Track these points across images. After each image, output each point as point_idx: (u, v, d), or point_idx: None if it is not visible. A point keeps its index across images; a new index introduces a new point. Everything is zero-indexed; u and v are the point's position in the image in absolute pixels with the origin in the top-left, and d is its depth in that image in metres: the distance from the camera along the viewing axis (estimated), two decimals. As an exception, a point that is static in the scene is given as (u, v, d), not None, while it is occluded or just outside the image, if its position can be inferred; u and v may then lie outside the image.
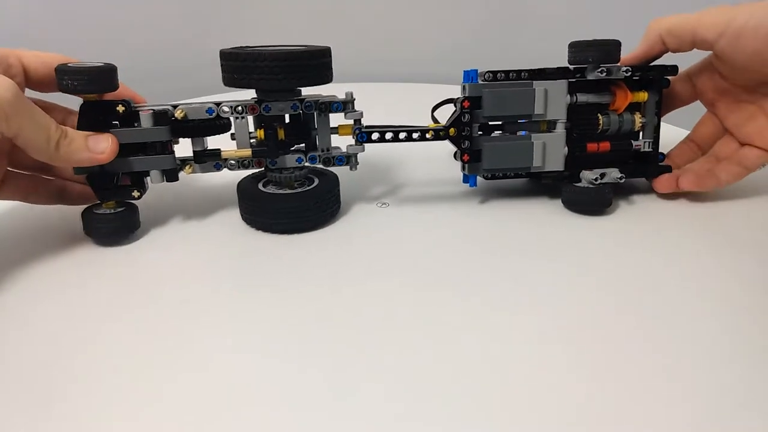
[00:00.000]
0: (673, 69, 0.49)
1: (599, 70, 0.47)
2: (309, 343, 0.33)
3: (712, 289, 0.37)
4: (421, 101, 0.67)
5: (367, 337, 0.33)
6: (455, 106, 0.50)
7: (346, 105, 0.47)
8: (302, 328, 0.34)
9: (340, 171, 0.49)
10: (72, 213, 0.46)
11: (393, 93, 0.97)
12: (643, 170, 0.50)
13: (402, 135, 0.48)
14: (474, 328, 0.34)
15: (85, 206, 0.45)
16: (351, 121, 0.48)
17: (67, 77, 0.40)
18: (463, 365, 0.31)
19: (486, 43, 1.01)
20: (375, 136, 0.48)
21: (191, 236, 0.46)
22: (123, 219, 0.44)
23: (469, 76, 0.48)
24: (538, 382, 0.29)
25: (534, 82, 0.47)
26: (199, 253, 0.44)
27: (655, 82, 0.49)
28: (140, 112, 0.43)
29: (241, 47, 0.46)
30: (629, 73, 0.47)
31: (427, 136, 0.48)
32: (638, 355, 0.31)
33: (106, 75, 0.41)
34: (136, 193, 0.44)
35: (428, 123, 0.60)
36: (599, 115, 0.49)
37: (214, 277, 0.41)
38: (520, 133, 0.50)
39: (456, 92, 0.48)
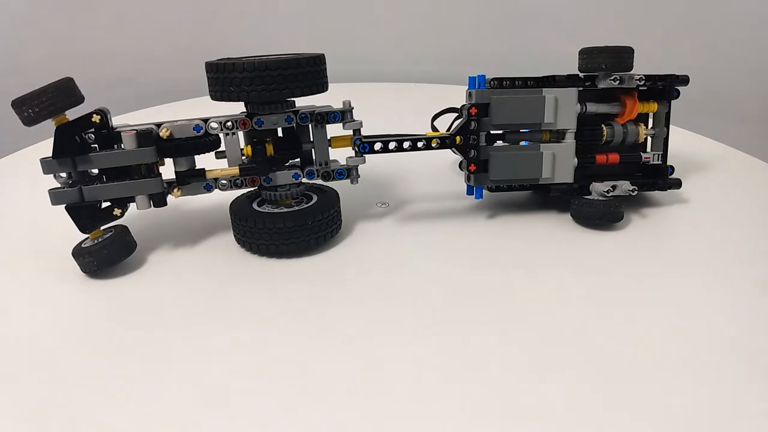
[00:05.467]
0: (684, 79, 0.46)
1: (612, 78, 0.44)
2: (299, 395, 0.30)
3: (730, 306, 0.36)
4: (421, 101, 0.64)
5: (369, 386, 0.31)
6: (461, 113, 0.47)
7: (344, 115, 0.44)
8: (291, 377, 0.32)
9: (339, 185, 0.47)
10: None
11: (393, 93, 0.94)
12: (653, 183, 0.49)
13: (406, 144, 0.45)
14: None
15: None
16: (346, 132, 0.45)
17: (25, 107, 0.36)
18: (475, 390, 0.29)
19: (486, 44, 0.99)
20: (378, 146, 0.45)
21: (180, 263, 0.43)
22: (117, 242, 0.40)
23: (476, 82, 0.45)
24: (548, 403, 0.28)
25: (543, 89, 0.45)
26: (184, 284, 0.40)
27: (665, 92, 0.47)
28: (122, 133, 0.39)
29: (228, 58, 0.42)
30: (643, 82, 0.44)
31: (432, 144, 0.46)
32: (651, 371, 0.30)
33: (65, 89, 0.37)
34: (117, 212, 0.41)
35: (428, 128, 0.58)
36: (603, 125, 0.47)
37: (196, 315, 0.37)
38: (522, 143, 0.48)
39: (455, 93, 0.45)
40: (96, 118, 0.39)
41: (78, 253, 0.40)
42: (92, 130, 0.39)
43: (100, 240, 0.41)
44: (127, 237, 0.42)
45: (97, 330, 0.36)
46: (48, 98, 0.36)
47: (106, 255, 0.40)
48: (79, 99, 0.38)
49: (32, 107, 0.36)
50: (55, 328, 0.36)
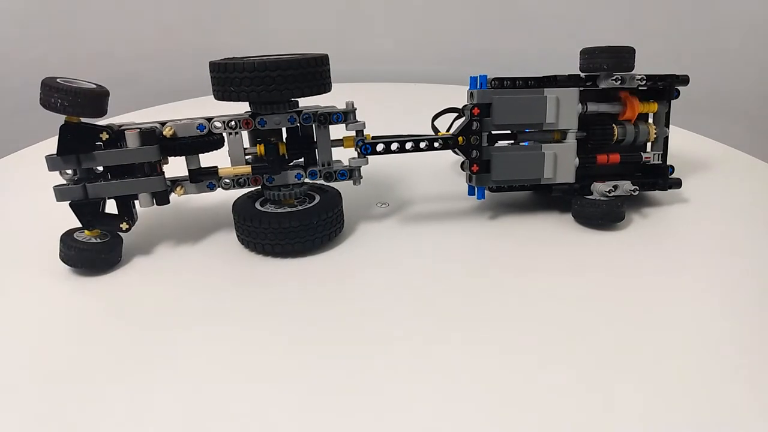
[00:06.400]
0: (684, 79, 0.47)
1: (613, 78, 0.44)
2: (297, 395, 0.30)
3: (731, 305, 0.37)
4: (421, 101, 0.64)
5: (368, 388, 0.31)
6: (462, 113, 0.47)
7: (346, 115, 0.44)
8: (289, 381, 0.31)
9: (339, 185, 0.47)
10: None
11: (393, 93, 0.94)
12: (654, 183, 0.49)
13: (408, 145, 0.46)
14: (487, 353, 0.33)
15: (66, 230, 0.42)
16: (353, 132, 0.45)
17: (57, 95, 0.36)
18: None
19: (486, 44, 0.99)
20: (380, 147, 0.45)
21: (181, 262, 0.43)
22: (101, 251, 0.40)
23: (477, 82, 0.45)
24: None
25: (545, 89, 0.45)
26: (186, 282, 0.40)
27: (665, 92, 0.47)
28: (126, 132, 0.39)
29: (232, 58, 0.42)
30: (644, 82, 0.45)
31: (435, 145, 0.46)
32: (652, 371, 0.30)
33: (100, 100, 0.37)
34: (124, 226, 0.41)
35: (428, 128, 0.58)
36: (614, 125, 0.47)
37: (198, 314, 0.37)
38: (523, 143, 0.48)
39: (455, 93, 0.45)
40: (104, 136, 0.39)
41: (64, 240, 0.40)
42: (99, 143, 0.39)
43: (90, 240, 0.41)
44: (112, 251, 0.41)
45: (98, 329, 0.36)
46: (80, 100, 0.36)
47: (86, 258, 0.40)
48: (102, 113, 0.39)
49: (62, 99, 0.36)
50: (54, 328, 0.36)
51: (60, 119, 0.38)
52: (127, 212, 0.41)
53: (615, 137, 0.47)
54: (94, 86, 0.38)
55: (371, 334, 0.35)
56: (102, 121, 0.42)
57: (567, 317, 0.36)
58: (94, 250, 0.40)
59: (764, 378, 0.30)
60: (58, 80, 0.37)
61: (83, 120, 0.39)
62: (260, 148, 0.43)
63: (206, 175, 0.43)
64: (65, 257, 0.40)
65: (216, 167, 0.43)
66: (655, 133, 0.48)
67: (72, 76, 0.40)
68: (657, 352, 0.32)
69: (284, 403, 0.29)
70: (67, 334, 0.36)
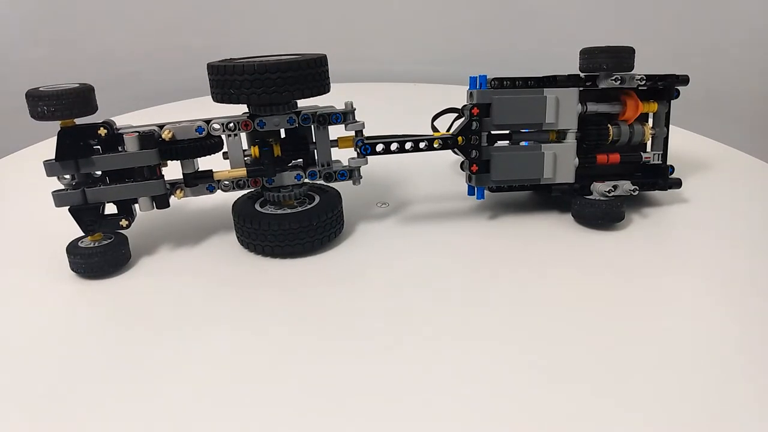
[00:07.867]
0: (684, 79, 0.47)
1: (613, 78, 0.44)
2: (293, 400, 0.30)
3: (731, 305, 0.36)
4: (421, 101, 0.64)
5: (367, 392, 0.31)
6: (462, 113, 0.47)
7: (346, 116, 0.44)
8: (287, 382, 0.31)
9: (339, 185, 0.47)
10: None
11: (393, 93, 0.94)
12: (654, 183, 0.49)
13: (408, 145, 0.45)
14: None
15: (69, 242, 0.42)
16: (350, 133, 0.45)
17: (41, 103, 0.36)
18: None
19: (486, 44, 0.99)
20: (379, 147, 0.45)
21: (181, 263, 0.43)
22: (108, 253, 0.40)
23: (477, 82, 0.45)
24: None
25: (545, 89, 0.45)
26: (186, 284, 0.40)
27: (665, 92, 0.47)
28: (125, 135, 0.39)
29: (230, 59, 0.42)
30: (644, 82, 0.45)
31: (434, 145, 0.46)
32: (652, 371, 0.30)
33: (85, 96, 0.37)
34: (124, 222, 0.41)
35: (428, 128, 0.58)
36: (609, 125, 0.47)
37: (198, 316, 0.37)
38: (522, 143, 0.48)
39: (455, 93, 0.45)
40: (102, 132, 0.39)
41: (71, 251, 0.40)
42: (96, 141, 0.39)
43: (95, 245, 0.41)
44: (122, 249, 0.41)
45: (97, 330, 0.36)
46: (66, 102, 0.36)
47: (95, 263, 0.40)
48: (93, 109, 0.38)
49: (48, 106, 0.36)
50: (54, 329, 0.36)
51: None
52: (126, 210, 0.41)
53: (610, 137, 0.47)
54: (77, 85, 0.38)
55: (371, 335, 0.35)
56: (100, 121, 0.41)
57: (567, 317, 0.36)
58: (101, 254, 0.40)
59: (765, 378, 0.30)
60: (40, 89, 0.37)
61: (77, 121, 0.39)
62: (255, 150, 0.43)
63: (202, 179, 0.43)
64: (75, 267, 0.40)
65: (211, 170, 0.43)
66: (651, 134, 0.48)
67: (71, 77, 0.40)
68: (657, 352, 0.32)
69: (285, 404, 0.29)
70: (67, 334, 0.36)
